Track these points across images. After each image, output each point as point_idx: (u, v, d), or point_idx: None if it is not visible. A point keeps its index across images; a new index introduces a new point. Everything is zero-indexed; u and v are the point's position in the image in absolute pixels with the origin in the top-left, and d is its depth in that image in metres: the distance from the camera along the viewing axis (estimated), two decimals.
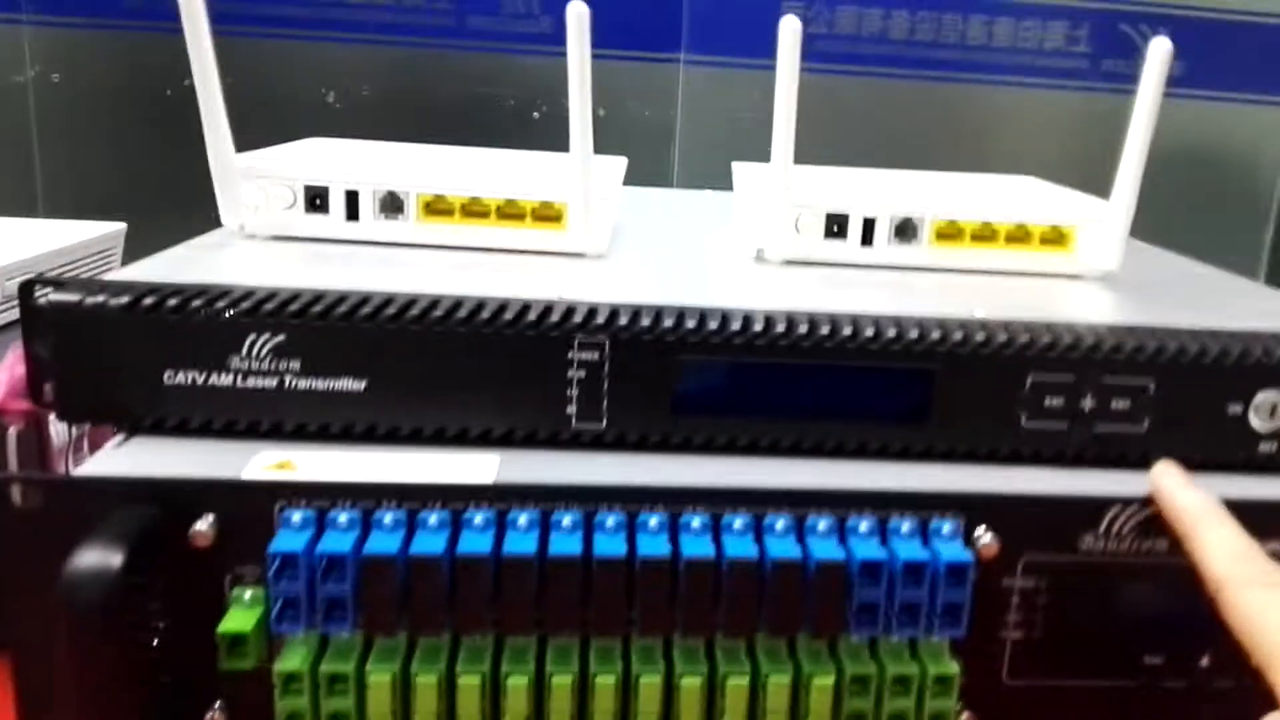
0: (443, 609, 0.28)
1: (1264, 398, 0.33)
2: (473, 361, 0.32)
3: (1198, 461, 0.33)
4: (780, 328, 0.32)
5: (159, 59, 0.72)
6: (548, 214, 0.41)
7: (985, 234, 0.43)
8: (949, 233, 0.43)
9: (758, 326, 0.32)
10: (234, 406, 0.31)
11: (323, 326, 0.31)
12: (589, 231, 0.41)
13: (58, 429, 0.36)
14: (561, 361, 0.32)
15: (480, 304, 0.32)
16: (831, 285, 0.38)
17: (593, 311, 0.32)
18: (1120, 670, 0.32)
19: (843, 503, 0.30)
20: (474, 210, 0.41)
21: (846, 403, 0.33)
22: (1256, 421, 0.33)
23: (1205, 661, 0.33)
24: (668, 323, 0.32)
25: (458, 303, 0.32)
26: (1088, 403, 0.33)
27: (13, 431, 0.35)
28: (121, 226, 0.53)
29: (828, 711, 0.30)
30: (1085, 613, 0.32)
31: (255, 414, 0.32)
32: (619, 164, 0.49)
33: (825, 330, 0.32)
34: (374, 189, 0.41)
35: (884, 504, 0.31)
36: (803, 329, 0.32)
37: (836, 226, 0.42)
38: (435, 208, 0.41)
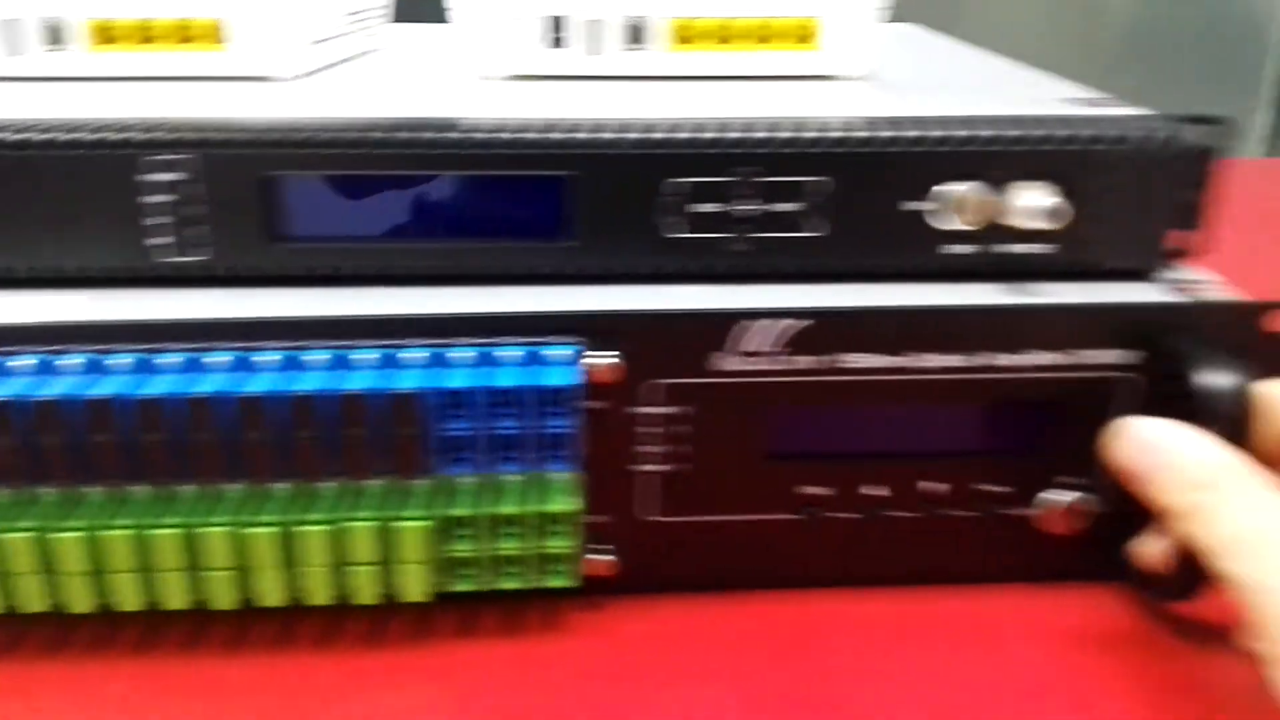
0: None
1: (943, 191, 0.28)
2: (27, 187, 0.28)
3: (870, 269, 0.29)
4: (378, 133, 0.28)
5: None
6: (221, 35, 0.37)
7: (726, 34, 0.38)
8: (687, 35, 0.38)
9: (351, 134, 0.28)
10: None
11: None
12: (263, 49, 0.36)
13: None
14: (129, 184, 0.28)
15: (32, 123, 0.28)
16: (543, 101, 0.33)
17: (160, 125, 0.28)
18: (774, 502, 0.29)
19: (437, 330, 0.27)
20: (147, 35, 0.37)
21: (471, 221, 0.29)
22: (934, 220, 0.29)
23: (874, 490, 0.29)
24: (251, 135, 0.28)
25: None
26: (741, 207, 0.29)
27: None
28: None
29: (422, 557, 0.27)
30: (728, 440, 0.28)
31: None
32: None
33: (429, 135, 0.28)
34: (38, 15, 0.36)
35: (485, 329, 0.27)
36: (403, 135, 0.28)
37: (559, 33, 0.37)
38: (105, 35, 0.37)
